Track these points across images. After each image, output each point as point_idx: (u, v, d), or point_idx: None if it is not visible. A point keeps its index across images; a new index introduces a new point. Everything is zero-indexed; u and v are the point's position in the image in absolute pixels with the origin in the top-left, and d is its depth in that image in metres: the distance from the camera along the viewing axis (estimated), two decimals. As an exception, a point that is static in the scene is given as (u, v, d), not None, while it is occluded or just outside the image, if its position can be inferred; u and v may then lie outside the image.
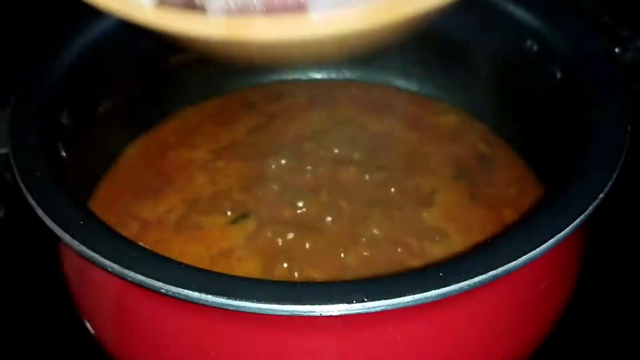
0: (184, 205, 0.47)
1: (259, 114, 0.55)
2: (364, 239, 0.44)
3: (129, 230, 0.45)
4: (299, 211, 0.46)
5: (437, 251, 0.44)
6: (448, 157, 0.50)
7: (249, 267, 0.43)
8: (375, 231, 0.45)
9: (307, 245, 0.44)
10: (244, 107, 0.56)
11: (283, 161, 0.50)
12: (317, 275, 0.42)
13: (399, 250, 0.43)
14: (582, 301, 0.42)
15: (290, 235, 0.44)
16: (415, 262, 0.43)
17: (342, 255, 0.43)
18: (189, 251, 0.44)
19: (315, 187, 0.48)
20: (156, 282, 0.30)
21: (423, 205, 0.46)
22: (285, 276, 0.42)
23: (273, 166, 0.50)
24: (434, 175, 0.49)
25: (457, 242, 0.44)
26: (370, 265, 0.43)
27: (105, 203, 0.47)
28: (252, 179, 0.49)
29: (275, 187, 0.48)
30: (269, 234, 0.45)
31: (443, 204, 0.47)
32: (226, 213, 0.46)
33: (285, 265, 0.43)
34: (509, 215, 0.46)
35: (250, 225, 0.45)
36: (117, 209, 0.47)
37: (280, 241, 0.44)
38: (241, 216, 0.46)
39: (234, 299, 0.29)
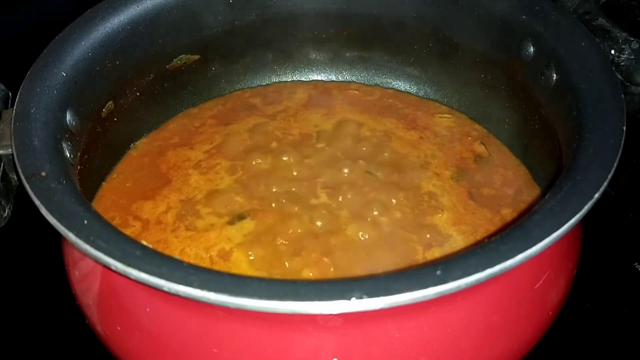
0: (181, 205, 0.47)
1: (258, 114, 0.55)
2: (365, 240, 0.44)
3: (131, 230, 0.46)
4: (297, 212, 0.46)
5: (439, 253, 0.44)
6: (447, 158, 0.51)
7: (247, 268, 0.43)
8: (376, 233, 0.45)
9: (307, 247, 0.44)
10: (245, 108, 0.56)
11: (282, 161, 0.50)
12: (316, 276, 0.42)
13: (403, 252, 0.44)
14: (579, 300, 0.43)
15: (290, 236, 0.45)
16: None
17: (343, 255, 0.43)
18: (189, 252, 0.44)
19: (313, 188, 0.48)
20: (159, 280, 0.30)
21: (427, 206, 0.47)
22: (284, 276, 0.42)
23: (271, 166, 0.50)
24: (435, 176, 0.49)
25: (460, 244, 0.44)
26: (373, 268, 0.43)
27: (108, 203, 0.48)
28: (247, 178, 0.49)
29: (273, 188, 0.48)
30: (267, 236, 0.45)
31: (447, 206, 0.47)
32: (222, 214, 0.46)
33: (285, 265, 0.43)
34: (509, 215, 0.46)
35: (247, 226, 0.46)
36: (120, 209, 0.47)
37: (279, 242, 0.44)
38: (238, 217, 0.46)
39: (235, 297, 0.29)
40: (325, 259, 0.43)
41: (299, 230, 0.45)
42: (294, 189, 0.48)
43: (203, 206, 0.47)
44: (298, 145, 0.52)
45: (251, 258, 0.44)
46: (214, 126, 0.54)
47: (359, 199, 0.47)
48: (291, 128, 0.54)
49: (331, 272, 0.42)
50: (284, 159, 0.50)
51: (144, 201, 0.48)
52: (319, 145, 0.52)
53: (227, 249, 0.44)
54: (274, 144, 0.52)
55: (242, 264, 0.43)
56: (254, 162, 0.50)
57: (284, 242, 0.44)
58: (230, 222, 0.46)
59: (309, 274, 0.42)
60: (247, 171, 0.50)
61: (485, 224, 0.46)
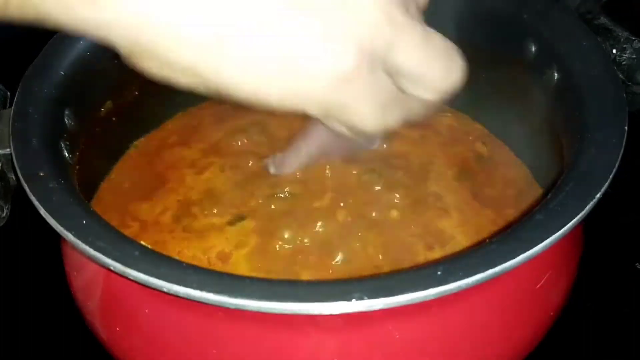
0: (178, 206, 0.47)
1: (257, 113, 0.55)
2: (367, 241, 0.44)
3: (129, 231, 0.45)
4: (298, 213, 0.45)
5: (442, 254, 0.43)
6: (449, 158, 0.50)
7: (245, 270, 0.42)
8: (377, 235, 0.44)
9: (307, 249, 0.43)
10: (244, 107, 0.55)
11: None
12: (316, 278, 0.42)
13: (407, 253, 0.43)
14: (580, 301, 0.43)
15: (290, 238, 0.44)
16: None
17: (345, 257, 0.43)
18: (186, 253, 0.44)
19: (314, 189, 0.47)
20: (158, 280, 0.30)
21: (432, 207, 0.46)
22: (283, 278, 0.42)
23: (268, 166, 0.49)
24: (438, 176, 0.48)
25: (464, 245, 0.44)
26: (375, 270, 0.42)
27: (106, 203, 0.47)
28: (245, 178, 0.48)
29: (272, 188, 0.47)
30: (266, 237, 0.44)
31: (452, 207, 0.46)
32: (220, 214, 0.46)
33: (284, 267, 0.42)
34: (512, 216, 0.46)
35: (246, 227, 0.45)
36: (118, 210, 0.47)
37: (278, 244, 0.44)
38: (237, 218, 0.46)
39: (234, 298, 0.29)
40: (326, 262, 0.43)
41: (300, 232, 0.44)
42: (294, 190, 0.47)
43: (200, 206, 0.47)
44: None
45: (249, 259, 0.43)
46: (212, 124, 0.54)
47: (362, 199, 0.46)
48: (291, 127, 0.53)
49: (330, 275, 0.42)
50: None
51: (141, 202, 0.47)
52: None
53: (225, 251, 0.44)
54: (273, 144, 0.51)
55: (240, 265, 0.43)
56: (250, 162, 0.50)
57: (283, 244, 0.44)
58: (230, 223, 0.45)
59: (308, 276, 0.42)
60: (244, 170, 0.49)
61: (489, 225, 0.45)
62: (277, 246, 0.44)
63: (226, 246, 0.44)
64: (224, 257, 0.43)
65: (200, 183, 0.49)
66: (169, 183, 0.49)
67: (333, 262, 0.43)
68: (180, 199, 0.48)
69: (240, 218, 0.46)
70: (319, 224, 0.45)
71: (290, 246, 0.44)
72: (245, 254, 0.43)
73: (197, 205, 0.47)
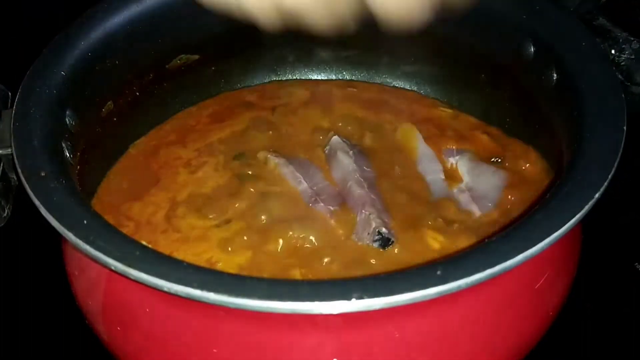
0: (169, 205, 0.46)
1: (256, 112, 0.54)
2: (366, 245, 0.43)
3: (125, 231, 0.44)
4: (293, 217, 0.44)
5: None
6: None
7: (235, 272, 0.41)
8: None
9: (303, 257, 0.42)
10: (242, 106, 0.55)
11: (277, 161, 0.49)
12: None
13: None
14: (579, 300, 0.43)
15: (286, 242, 0.43)
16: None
17: (344, 268, 0.42)
18: (176, 255, 0.43)
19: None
20: (159, 280, 0.30)
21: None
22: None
23: (265, 166, 0.49)
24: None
25: None
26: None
27: (105, 203, 0.47)
28: (239, 178, 0.48)
29: (266, 189, 0.47)
30: (257, 239, 0.43)
31: None
32: (209, 216, 0.45)
33: (272, 273, 0.41)
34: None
35: (234, 229, 0.44)
36: (114, 210, 0.47)
37: (270, 249, 0.43)
38: (226, 220, 0.45)
39: (235, 297, 0.29)
40: (323, 267, 0.42)
41: (295, 238, 0.43)
42: (290, 191, 0.47)
43: (191, 206, 0.46)
44: (295, 145, 0.51)
45: (238, 264, 0.42)
46: (209, 124, 0.54)
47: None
48: (289, 126, 0.53)
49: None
50: (278, 159, 0.49)
51: (134, 201, 0.47)
52: (318, 145, 0.51)
53: (215, 253, 0.43)
54: (268, 143, 0.51)
55: (229, 267, 0.42)
56: (246, 162, 0.49)
57: (277, 250, 0.43)
58: (218, 225, 0.45)
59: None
60: (238, 170, 0.49)
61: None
62: (267, 250, 0.43)
63: (215, 250, 0.43)
64: (212, 260, 0.43)
65: (190, 182, 0.48)
66: (160, 182, 0.49)
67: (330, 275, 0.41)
68: (171, 197, 0.47)
69: (229, 220, 0.45)
70: (317, 233, 0.44)
71: (284, 251, 0.43)
72: (235, 259, 0.43)
73: (187, 204, 0.46)
